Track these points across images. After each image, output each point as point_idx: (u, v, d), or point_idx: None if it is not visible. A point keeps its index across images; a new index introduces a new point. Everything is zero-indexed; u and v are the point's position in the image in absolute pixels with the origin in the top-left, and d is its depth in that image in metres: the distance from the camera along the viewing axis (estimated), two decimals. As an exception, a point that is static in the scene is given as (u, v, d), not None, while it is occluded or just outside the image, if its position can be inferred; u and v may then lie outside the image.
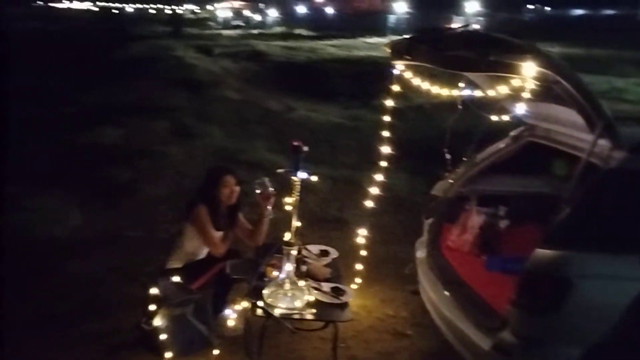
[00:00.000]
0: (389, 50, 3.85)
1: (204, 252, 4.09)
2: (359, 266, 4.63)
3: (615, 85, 15.44)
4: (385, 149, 4.18)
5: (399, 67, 3.95)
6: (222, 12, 51.67)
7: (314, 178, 3.48)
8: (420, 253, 4.35)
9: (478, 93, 4.18)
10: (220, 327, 3.94)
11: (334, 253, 4.11)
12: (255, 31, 39.69)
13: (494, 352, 3.09)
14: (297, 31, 39.09)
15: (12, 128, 9.68)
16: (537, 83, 2.96)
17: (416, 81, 4.00)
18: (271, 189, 3.88)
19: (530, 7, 57.25)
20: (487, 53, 2.90)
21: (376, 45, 30.46)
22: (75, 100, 11.92)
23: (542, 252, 2.97)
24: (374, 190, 4.42)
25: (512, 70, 2.88)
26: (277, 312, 3.29)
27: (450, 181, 4.38)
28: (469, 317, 3.45)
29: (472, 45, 3.00)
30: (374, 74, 19.71)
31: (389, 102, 4.10)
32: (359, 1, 54.15)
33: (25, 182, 6.69)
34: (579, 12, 55.25)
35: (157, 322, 3.71)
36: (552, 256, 2.94)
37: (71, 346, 3.92)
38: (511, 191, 4.47)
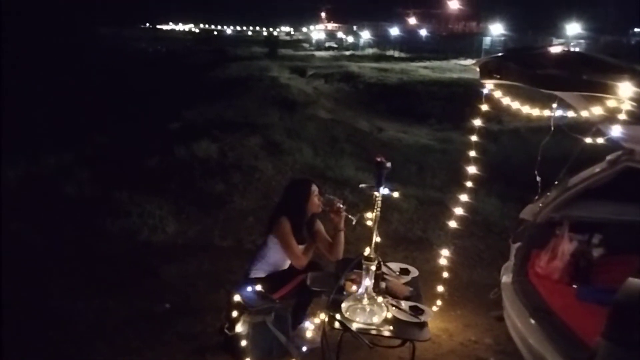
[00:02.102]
0: (478, 70, 3.80)
1: (286, 264, 4.18)
2: (440, 288, 4.55)
3: None
4: (473, 170, 4.10)
5: (488, 86, 3.89)
6: (316, 34, 52.88)
7: (396, 194, 3.48)
8: (506, 278, 4.21)
9: (572, 114, 4.02)
10: (298, 338, 4.00)
11: (414, 272, 4.07)
12: (347, 53, 40.36)
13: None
14: (390, 53, 39.34)
15: (125, 141, 10.47)
16: (635, 105, 2.81)
17: (506, 101, 3.90)
18: (339, 203, 3.95)
19: (637, 30, 54.12)
20: (580, 72, 2.80)
21: (469, 67, 30.03)
22: (178, 116, 12.65)
23: (635, 282, 2.80)
24: (460, 212, 4.34)
25: (607, 90, 2.76)
26: (354, 326, 3.29)
27: (540, 205, 4.22)
28: (556, 347, 3.29)
29: (565, 64, 2.91)
30: (466, 96, 19.46)
31: (478, 122, 4.03)
32: (454, 23, 53.55)
33: (132, 190, 7.22)
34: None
35: (239, 328, 3.82)
36: (648, 287, 2.76)
37: (162, 344, 4.17)
38: (607, 218, 4.24)
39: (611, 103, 3.30)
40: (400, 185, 8.23)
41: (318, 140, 11.27)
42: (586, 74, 2.79)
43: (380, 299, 3.47)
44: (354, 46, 44.40)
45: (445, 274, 4.58)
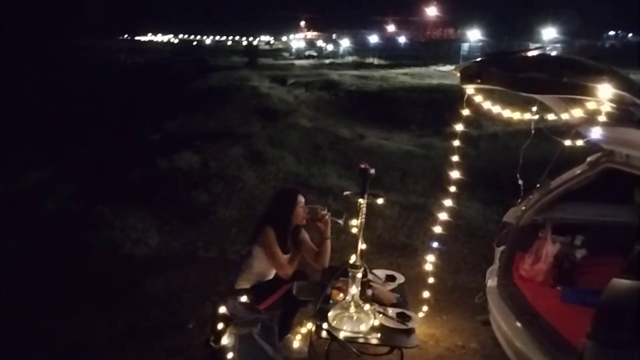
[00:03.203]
0: (458, 74, 3.82)
1: (272, 274, 4.15)
2: (426, 294, 4.55)
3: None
4: (455, 175, 4.11)
5: (468, 91, 3.90)
6: (296, 42, 52.98)
7: (380, 201, 3.48)
8: (491, 282, 4.22)
9: (552, 117, 4.06)
10: (285, 349, 3.97)
11: (400, 278, 4.07)
12: (327, 61, 40.49)
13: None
14: (369, 60, 39.53)
15: (107, 154, 10.38)
16: (614, 106, 2.85)
17: (487, 105, 3.92)
18: (323, 211, 3.95)
19: (611, 33, 55.19)
20: (560, 74, 2.83)
21: (449, 73, 30.27)
22: (159, 127, 12.57)
23: (620, 282, 2.82)
24: (444, 217, 4.34)
25: (587, 92, 2.78)
26: (341, 335, 3.28)
27: (523, 208, 4.25)
28: (543, 350, 3.30)
29: (544, 67, 2.94)
30: (446, 102, 19.61)
31: (459, 127, 4.04)
32: (432, 30, 54.04)
33: (114, 203, 7.15)
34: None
35: (225, 340, 3.78)
36: (632, 287, 2.78)
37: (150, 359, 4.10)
38: (588, 220, 4.28)
39: (591, 105, 3.36)
40: (383, 191, 8.20)
41: (300, 148, 11.27)
42: (566, 77, 2.81)
43: (367, 306, 3.46)
44: (334, 54, 44.60)
45: (431, 280, 4.58)
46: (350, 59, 40.31)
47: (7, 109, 14.15)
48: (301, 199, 4.06)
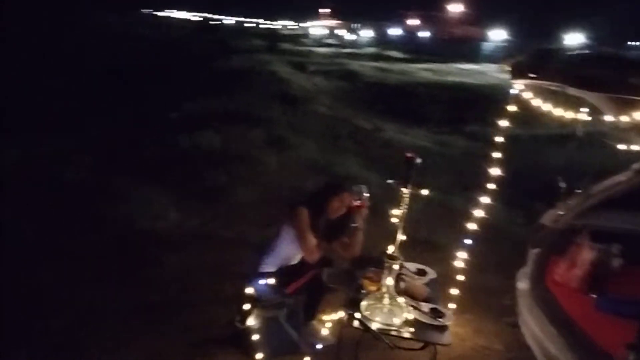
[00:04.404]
0: (509, 69, 3.71)
1: (297, 258, 4.07)
2: (454, 291, 4.45)
3: None
4: (495, 172, 3.98)
5: (517, 87, 3.79)
6: (316, 30, 52.68)
7: (425, 192, 3.38)
8: (523, 284, 4.12)
9: (601, 120, 3.92)
10: (310, 335, 3.90)
11: (432, 273, 3.98)
12: (347, 50, 40.13)
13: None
14: (389, 53, 39.14)
15: (126, 128, 10.33)
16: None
17: (536, 102, 3.80)
18: (366, 197, 3.85)
19: (633, 43, 54.70)
20: (627, 74, 2.72)
21: (470, 71, 29.98)
22: (179, 106, 12.50)
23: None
24: (477, 214, 4.23)
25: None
26: (374, 326, 3.20)
27: (561, 212, 4.14)
28: (579, 358, 3.22)
29: (609, 65, 2.83)
30: (467, 101, 19.44)
31: (504, 123, 3.90)
32: (456, 27, 53.52)
33: (132, 177, 7.14)
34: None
35: (250, 322, 3.72)
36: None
37: (165, 336, 4.05)
38: (628, 229, 4.16)
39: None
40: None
41: (320, 136, 11.16)
42: (633, 77, 2.70)
43: (400, 299, 3.38)
44: (354, 44, 44.28)
45: (458, 277, 4.48)
46: (370, 50, 39.95)
47: (33, 80, 14.09)
48: (346, 196, 3.95)
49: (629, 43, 54.96)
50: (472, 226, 4.13)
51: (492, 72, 29.81)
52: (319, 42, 44.86)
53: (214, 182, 7.50)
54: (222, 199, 7.02)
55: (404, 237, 3.39)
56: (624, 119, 3.32)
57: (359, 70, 26.94)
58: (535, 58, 3.40)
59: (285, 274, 3.95)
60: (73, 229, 5.72)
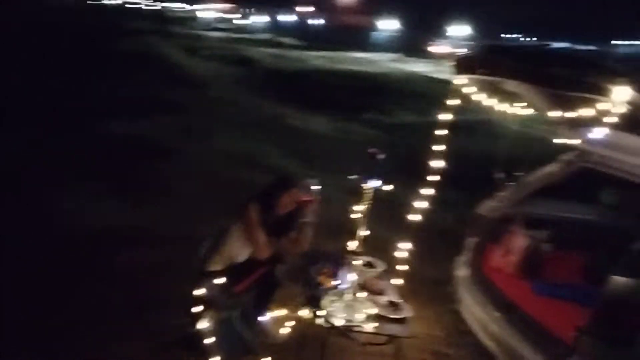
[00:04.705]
0: (455, 63, 3.79)
1: (244, 255, 3.93)
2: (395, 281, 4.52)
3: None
4: (438, 164, 4.05)
5: (459, 81, 3.86)
6: (207, 13, 51.35)
7: (389, 187, 3.39)
8: (462, 272, 4.29)
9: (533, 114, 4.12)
10: (262, 333, 3.80)
11: (380, 266, 4.01)
12: (240, 36, 39.48)
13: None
14: (284, 40, 39.04)
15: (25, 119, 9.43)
16: (631, 108, 2.92)
17: (478, 97, 3.90)
18: (316, 192, 3.80)
19: (506, 36, 58.88)
20: (584, 74, 2.87)
21: (364, 60, 30.63)
22: (79, 94, 11.66)
23: (620, 280, 2.93)
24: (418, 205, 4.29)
25: (604, 93, 2.84)
26: (338, 322, 3.17)
27: (498, 202, 4.34)
28: (528, 341, 3.39)
29: (568, 63, 2.97)
30: (362, 89, 19.85)
31: (447, 117, 3.95)
32: (347, 15, 54.38)
33: (61, 170, 6.70)
34: (558, 45, 57.07)
35: (203, 324, 3.55)
36: (631, 284, 2.90)
37: (113, 341, 3.87)
38: (556, 216, 4.45)
39: (586, 106, 3.42)
40: (326, 174, 8.20)
41: (230, 124, 10.93)
42: (590, 76, 2.85)
43: (361, 294, 3.37)
44: (247, 30, 43.66)
45: (398, 267, 4.55)
46: (263, 36, 39.57)
47: None
48: (295, 192, 3.85)
49: (502, 35, 59.31)
50: (412, 217, 4.17)
51: (386, 61, 30.77)
52: (210, 26, 43.69)
53: (147, 175, 7.12)
54: (158, 193, 6.67)
55: (367, 232, 3.38)
56: (568, 114, 3.50)
57: (255, 57, 26.64)
58: (484, 54, 3.49)
59: (234, 272, 3.80)
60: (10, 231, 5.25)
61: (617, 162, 3.78)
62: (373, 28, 47.63)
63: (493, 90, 3.93)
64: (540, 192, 4.28)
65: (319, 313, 3.20)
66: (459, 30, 44.82)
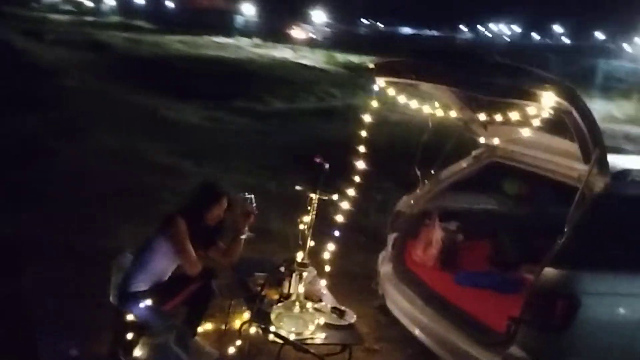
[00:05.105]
0: (376, 67, 3.84)
1: (169, 272, 3.70)
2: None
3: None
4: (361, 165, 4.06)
5: (380, 84, 3.91)
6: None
7: (335, 197, 3.34)
8: (386, 267, 4.38)
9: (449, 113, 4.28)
10: (195, 352, 3.61)
11: (312, 271, 3.95)
12: (89, 19, 36.87)
13: (501, 369, 3.22)
14: (137, 23, 37.07)
15: None
16: (553, 113, 3.14)
17: (402, 99, 3.99)
18: (254, 207, 3.68)
19: (364, 21, 61.40)
20: (519, 81, 3.05)
21: (225, 45, 30.04)
22: None
23: (551, 271, 3.16)
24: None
25: (531, 98, 3.04)
26: (292, 337, 3.10)
27: (415, 197, 4.49)
28: (463, 332, 3.55)
29: (503, 72, 3.13)
30: (227, 75, 19.48)
31: (367, 118, 3.97)
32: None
33: None
34: (408, 30, 60.78)
35: (137, 352, 3.29)
36: (561, 275, 3.15)
37: None
38: (464, 208, 4.71)
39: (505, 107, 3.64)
40: (220, 171, 7.97)
41: (98, 117, 10.11)
42: (522, 83, 3.03)
43: (309, 304, 3.32)
44: (95, 12, 40.83)
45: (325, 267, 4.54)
46: (115, 19, 37.30)
47: None
48: (224, 202, 3.67)
49: (363, 21, 61.64)
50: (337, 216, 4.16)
51: (248, 47, 30.44)
52: (54, 7, 40.29)
53: (18, 181, 6.30)
54: (34, 201, 5.93)
55: (312, 243, 3.31)
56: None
57: (108, 41, 25.11)
58: (421, 60, 3.62)
59: (162, 291, 3.57)
60: None
61: (523, 156, 4.08)
62: (231, 11, 46.83)
63: (409, 92, 4.08)
64: (454, 187, 4.49)
65: (271, 328, 3.09)
66: (318, 16, 45.72)
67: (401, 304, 4.07)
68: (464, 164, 4.46)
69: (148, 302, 3.43)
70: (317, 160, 3.19)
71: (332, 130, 11.78)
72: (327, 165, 3.21)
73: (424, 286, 4.09)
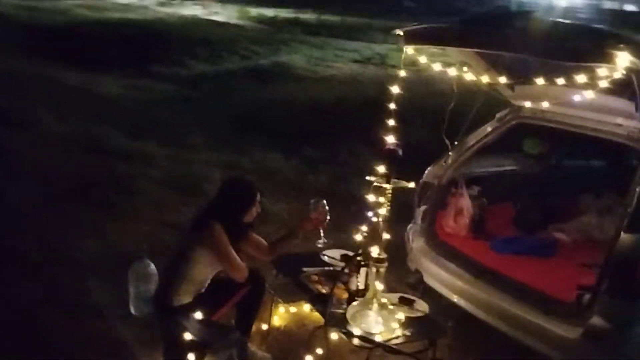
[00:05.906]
0: (401, 34, 3.53)
1: (209, 279, 3.34)
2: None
3: (377, 51, 16.77)
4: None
5: (409, 51, 3.61)
6: None
7: (412, 185, 3.06)
8: (418, 242, 4.18)
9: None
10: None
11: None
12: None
13: (583, 339, 3.13)
14: (26, -13, 33.93)
15: None
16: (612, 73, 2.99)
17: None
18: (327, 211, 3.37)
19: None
20: (591, 43, 2.87)
21: (130, 6, 28.07)
22: None
23: (628, 237, 3.07)
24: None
25: (605, 59, 2.87)
26: (378, 339, 2.85)
27: (440, 168, 4.29)
28: (525, 303, 3.41)
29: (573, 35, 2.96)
30: (143, 38, 18.23)
31: (396, 90, 3.67)
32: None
33: None
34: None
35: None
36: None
37: None
38: (485, 172, 4.58)
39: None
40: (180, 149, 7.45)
41: (33, 98, 9.10)
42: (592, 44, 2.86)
43: (384, 299, 3.07)
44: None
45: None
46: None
47: None
48: (259, 198, 3.33)
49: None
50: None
51: (153, 6, 28.63)
52: None
53: None
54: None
55: (388, 236, 3.03)
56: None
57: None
58: (452, 27, 3.36)
59: (208, 300, 3.23)
60: None
61: (557, 115, 3.95)
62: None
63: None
64: (481, 151, 4.31)
65: (355, 332, 2.82)
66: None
67: (444, 277, 3.89)
68: (489, 127, 4.29)
69: (198, 315, 3.08)
70: (391, 147, 2.89)
71: (269, 91, 11.36)
72: (400, 152, 2.92)
73: (462, 255, 3.94)
